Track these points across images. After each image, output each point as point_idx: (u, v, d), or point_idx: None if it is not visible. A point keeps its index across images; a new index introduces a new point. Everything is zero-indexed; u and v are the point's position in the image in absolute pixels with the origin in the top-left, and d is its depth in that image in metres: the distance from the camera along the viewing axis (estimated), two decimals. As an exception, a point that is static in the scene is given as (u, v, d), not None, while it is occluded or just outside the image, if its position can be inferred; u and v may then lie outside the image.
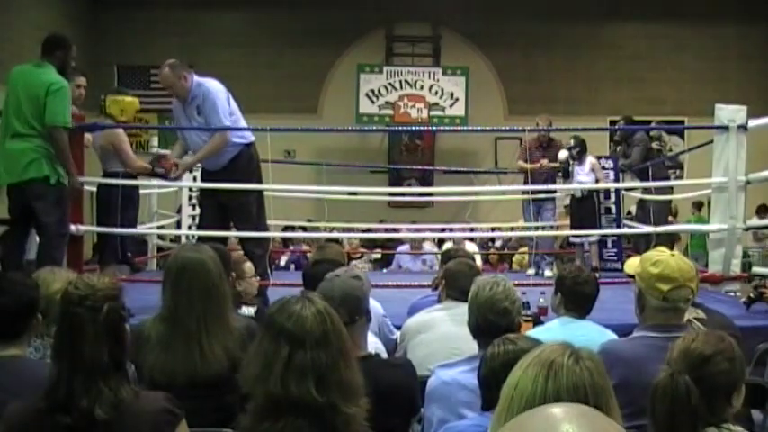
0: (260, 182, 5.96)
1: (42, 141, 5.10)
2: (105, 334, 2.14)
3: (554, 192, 8.41)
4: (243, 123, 6.01)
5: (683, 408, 2.14)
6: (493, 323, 2.95)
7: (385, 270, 10.34)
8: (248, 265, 4.45)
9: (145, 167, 5.90)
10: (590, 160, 8.02)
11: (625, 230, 8.69)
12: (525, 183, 8.05)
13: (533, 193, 8.06)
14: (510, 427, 0.96)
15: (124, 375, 2.22)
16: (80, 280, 2.25)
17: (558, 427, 0.91)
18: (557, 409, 0.96)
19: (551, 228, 8.55)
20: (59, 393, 2.10)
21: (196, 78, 5.88)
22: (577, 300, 3.72)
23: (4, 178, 5.23)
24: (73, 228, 5.48)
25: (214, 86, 5.91)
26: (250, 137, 6.04)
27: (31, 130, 5.10)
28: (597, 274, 4.99)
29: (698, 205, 11.90)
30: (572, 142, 8.07)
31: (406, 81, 14.19)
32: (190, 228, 8.55)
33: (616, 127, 12.59)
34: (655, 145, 9.27)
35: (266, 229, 6.11)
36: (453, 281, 3.98)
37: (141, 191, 8.32)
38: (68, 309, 2.16)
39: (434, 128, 14.56)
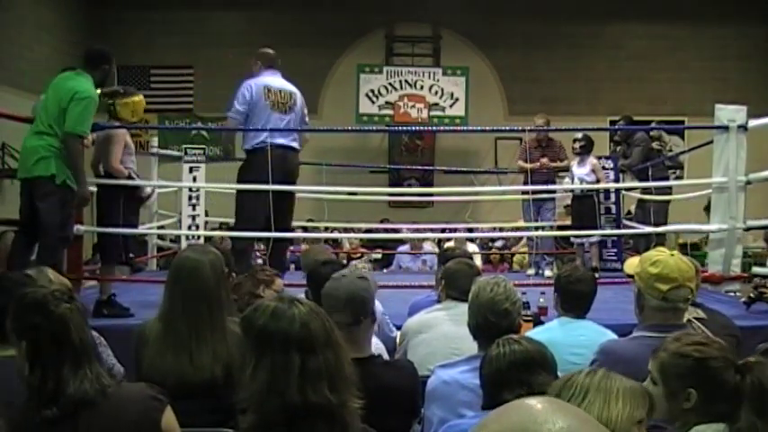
0: (258, 182, 6.01)
1: (56, 141, 5.11)
2: (83, 320, 2.23)
3: (554, 192, 8.42)
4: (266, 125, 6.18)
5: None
6: (494, 324, 2.95)
7: (385, 270, 10.34)
8: (279, 281, 4.45)
9: (120, 170, 5.83)
10: (591, 161, 8.03)
11: (625, 230, 8.69)
12: (525, 183, 8.06)
13: (533, 192, 8.06)
14: (491, 419, 0.96)
15: (100, 363, 2.27)
16: (34, 288, 2.30)
17: (543, 420, 0.92)
18: (538, 405, 0.96)
19: (551, 228, 8.55)
20: (48, 389, 2.13)
21: (259, 73, 6.38)
22: (572, 299, 3.72)
23: (19, 172, 5.29)
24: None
25: (247, 81, 6.31)
26: (259, 140, 6.16)
27: (49, 129, 5.13)
28: (597, 275, 5.00)
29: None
30: (579, 135, 8.10)
31: (406, 81, 14.18)
32: (189, 228, 8.55)
33: (616, 127, 12.59)
34: (655, 145, 9.27)
35: (251, 227, 6.11)
36: (453, 281, 3.98)
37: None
38: (44, 308, 2.18)
39: (434, 128, 14.55)
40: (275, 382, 1.99)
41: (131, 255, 5.95)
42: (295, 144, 6.32)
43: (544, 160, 8.30)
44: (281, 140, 6.18)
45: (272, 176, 5.94)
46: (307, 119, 6.48)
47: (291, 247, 11.48)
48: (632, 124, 9.82)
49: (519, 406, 0.97)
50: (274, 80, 6.31)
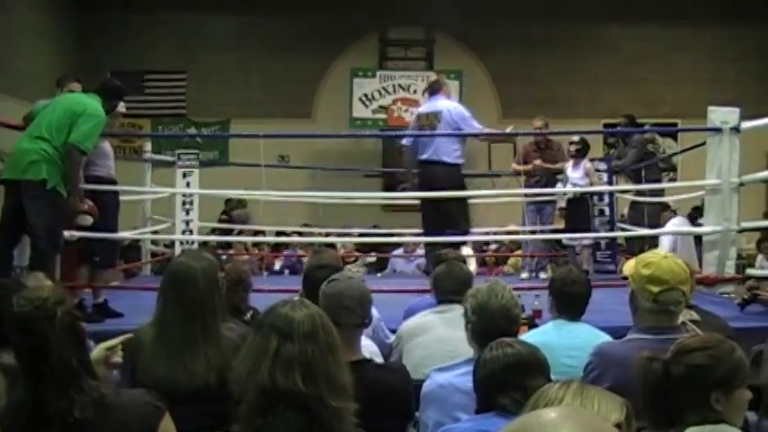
0: None
1: (50, 148, 5.09)
2: (66, 338, 2.15)
3: (553, 195, 8.42)
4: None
5: (655, 390, 2.16)
6: (503, 329, 2.92)
7: (379, 274, 10.34)
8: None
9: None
10: (585, 164, 8.04)
11: (618, 233, 8.69)
12: (527, 186, 8.11)
13: (531, 196, 8.08)
14: None
15: (94, 375, 2.23)
16: (24, 295, 2.25)
17: (550, 424, 0.92)
18: (551, 414, 0.96)
19: (548, 230, 8.55)
20: (28, 404, 2.10)
21: (427, 100, 7.45)
22: (567, 301, 3.72)
23: (6, 173, 5.26)
24: (67, 234, 5.41)
25: None
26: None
27: (47, 135, 5.12)
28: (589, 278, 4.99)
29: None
30: (576, 138, 8.11)
31: (399, 85, 14.18)
32: (183, 233, 8.54)
33: (610, 130, 12.61)
34: (649, 147, 9.28)
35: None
36: (440, 284, 4.02)
37: (135, 197, 8.36)
38: (25, 325, 2.14)
39: (428, 131, 14.53)
40: (253, 363, 2.09)
41: (96, 258, 5.85)
42: (436, 157, 6.95)
43: (537, 162, 8.31)
44: (421, 157, 7.02)
45: (420, 188, 7.05)
46: (462, 125, 7.05)
47: (286, 252, 11.50)
48: (634, 124, 9.78)
49: (539, 411, 0.98)
50: (429, 105, 7.26)
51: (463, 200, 7.07)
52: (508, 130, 8.21)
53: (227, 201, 12.64)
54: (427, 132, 7.04)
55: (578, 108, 14.45)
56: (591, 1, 14.99)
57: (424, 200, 7.02)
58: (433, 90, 7.32)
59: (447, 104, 7.10)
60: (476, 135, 7.30)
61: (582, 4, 14.95)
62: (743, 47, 15.03)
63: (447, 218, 6.87)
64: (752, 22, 14.91)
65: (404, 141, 7.50)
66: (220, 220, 12.45)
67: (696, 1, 14.91)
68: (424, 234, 7.16)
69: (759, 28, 14.94)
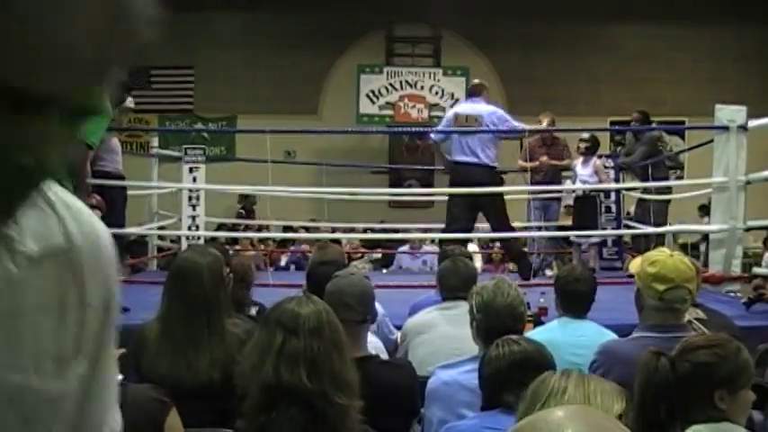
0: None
1: None
2: None
3: (559, 192, 8.40)
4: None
5: (654, 384, 2.16)
6: (509, 327, 2.92)
7: (385, 270, 10.33)
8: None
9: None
10: (594, 162, 8.02)
11: (625, 231, 8.68)
12: (532, 183, 8.09)
13: (537, 193, 8.07)
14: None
15: None
16: None
17: (555, 422, 0.92)
18: (559, 413, 0.96)
19: (554, 228, 8.53)
20: None
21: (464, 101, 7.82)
22: (572, 299, 3.72)
23: None
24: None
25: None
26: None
27: None
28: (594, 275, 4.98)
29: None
30: (586, 135, 8.09)
31: (406, 81, 14.20)
32: (190, 228, 8.55)
33: (618, 128, 12.57)
34: (658, 145, 9.25)
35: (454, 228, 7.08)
36: (444, 281, 4.02)
37: (142, 192, 8.37)
38: None
39: (435, 128, 14.54)
40: (258, 359, 2.08)
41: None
42: (474, 159, 6.98)
43: (543, 158, 8.29)
44: (456, 158, 7.12)
45: (454, 187, 7.20)
46: (499, 124, 7.05)
47: (292, 248, 11.51)
48: (647, 121, 9.71)
49: (546, 410, 0.98)
50: (467, 107, 7.36)
51: (501, 197, 7.15)
52: (544, 124, 8.22)
53: (246, 196, 12.66)
54: (454, 129, 7.22)
55: (579, 108, 14.40)
56: (591, 1, 14.96)
57: (456, 198, 7.09)
58: (473, 92, 7.39)
59: (487, 108, 7.15)
60: (518, 132, 7.38)
61: (582, 3, 14.93)
62: (743, 47, 15.00)
63: (489, 217, 7.16)
64: (752, 22, 14.87)
65: (432, 137, 7.66)
66: (238, 215, 12.49)
67: (697, 1, 14.88)
68: (445, 231, 7.25)
69: (759, 28, 14.90)
